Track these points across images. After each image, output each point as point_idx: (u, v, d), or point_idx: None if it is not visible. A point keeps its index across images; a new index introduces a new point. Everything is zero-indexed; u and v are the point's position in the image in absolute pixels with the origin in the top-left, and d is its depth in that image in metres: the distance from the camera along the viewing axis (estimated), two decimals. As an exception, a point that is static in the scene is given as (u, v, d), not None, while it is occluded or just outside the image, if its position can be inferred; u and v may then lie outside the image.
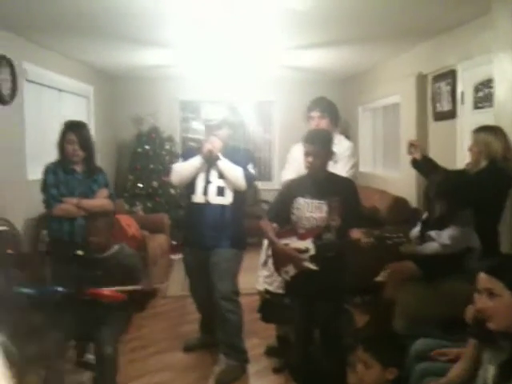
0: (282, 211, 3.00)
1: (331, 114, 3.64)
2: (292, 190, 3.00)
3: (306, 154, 2.91)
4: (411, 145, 3.83)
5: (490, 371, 1.92)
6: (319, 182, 2.92)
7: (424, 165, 3.70)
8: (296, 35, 4.89)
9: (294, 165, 3.61)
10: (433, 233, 3.24)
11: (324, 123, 3.56)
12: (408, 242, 2.83)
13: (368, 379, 2.17)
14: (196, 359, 3.82)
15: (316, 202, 2.88)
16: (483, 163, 3.43)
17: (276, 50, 5.55)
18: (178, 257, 6.62)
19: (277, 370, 3.60)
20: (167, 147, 7.49)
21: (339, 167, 3.35)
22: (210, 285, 3.56)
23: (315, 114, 3.61)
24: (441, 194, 3.23)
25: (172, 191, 7.23)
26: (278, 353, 3.76)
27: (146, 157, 7.29)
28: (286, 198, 3.00)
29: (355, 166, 3.64)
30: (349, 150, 3.64)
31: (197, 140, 7.92)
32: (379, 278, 4.13)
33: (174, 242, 6.50)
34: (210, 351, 3.87)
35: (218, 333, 3.63)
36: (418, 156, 3.75)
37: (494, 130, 3.45)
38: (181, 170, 3.66)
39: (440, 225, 3.26)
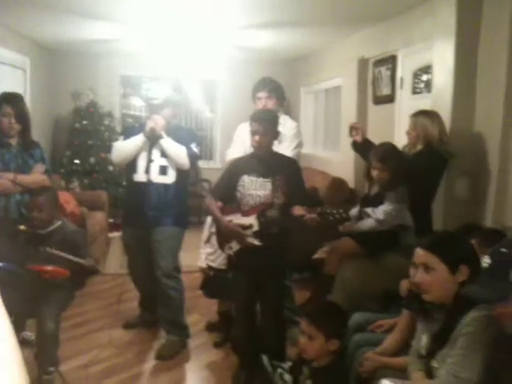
0: (227, 189, 3.02)
1: (278, 94, 3.70)
2: (238, 168, 3.03)
3: (253, 133, 2.93)
4: (352, 128, 3.91)
5: (423, 340, 2.04)
6: (264, 160, 2.96)
7: (364, 147, 3.80)
8: (243, 15, 4.88)
9: (239, 143, 3.64)
10: (369, 209, 3.35)
11: (271, 103, 3.63)
12: (348, 218, 2.92)
13: (311, 351, 2.24)
14: (136, 336, 3.81)
15: (261, 179, 2.92)
16: (420, 146, 3.58)
17: (222, 29, 5.51)
18: (115, 235, 6.56)
19: (217, 345, 3.66)
20: (106, 123, 7.31)
21: (284, 147, 3.43)
22: (151, 262, 3.55)
23: (262, 94, 3.65)
24: (381, 167, 3.32)
25: (110, 168, 7.09)
26: (218, 328, 3.81)
27: (84, 132, 7.08)
28: (232, 175, 3.02)
29: (299, 145, 3.69)
30: (293, 130, 3.71)
31: (137, 117, 7.88)
32: (317, 256, 4.27)
33: (111, 220, 6.40)
34: (150, 328, 3.88)
35: (159, 310, 3.64)
36: (358, 138, 3.85)
37: (431, 115, 3.59)
38: (122, 148, 3.59)
39: (376, 203, 3.38)
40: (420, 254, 1.92)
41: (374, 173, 3.35)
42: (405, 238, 3.42)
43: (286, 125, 3.61)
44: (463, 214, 3.66)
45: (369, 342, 2.56)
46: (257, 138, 2.92)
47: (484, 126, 3.61)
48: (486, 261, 1.56)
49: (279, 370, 2.44)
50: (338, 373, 2.30)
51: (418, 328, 2.15)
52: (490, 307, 1.56)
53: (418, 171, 3.37)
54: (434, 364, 1.90)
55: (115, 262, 5.47)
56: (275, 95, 3.67)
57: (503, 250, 1.54)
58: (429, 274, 1.87)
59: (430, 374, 1.95)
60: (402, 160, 3.40)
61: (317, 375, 2.25)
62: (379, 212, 3.32)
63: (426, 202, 3.58)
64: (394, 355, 2.36)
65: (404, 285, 2.69)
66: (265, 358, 2.78)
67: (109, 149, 6.99)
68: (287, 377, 2.42)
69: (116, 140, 3.93)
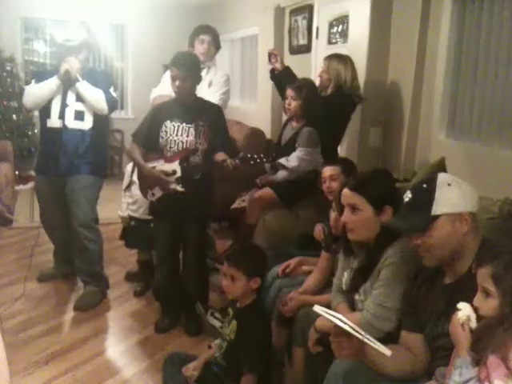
0: (149, 135, 2.95)
1: (217, 41, 3.74)
2: (160, 114, 2.96)
3: (173, 78, 2.86)
4: (271, 54, 3.87)
5: (345, 276, 2.14)
6: (187, 106, 2.91)
7: (284, 75, 3.76)
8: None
9: (166, 85, 3.53)
10: (283, 159, 3.38)
11: (212, 49, 3.67)
12: (268, 162, 2.96)
13: (234, 291, 2.29)
14: (53, 288, 3.71)
15: (184, 125, 2.88)
16: (331, 89, 3.64)
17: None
18: (22, 187, 6.23)
19: (138, 294, 3.65)
20: (8, 68, 6.78)
21: (212, 91, 3.39)
22: (67, 213, 3.41)
23: (207, 37, 3.64)
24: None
25: (14, 117, 6.64)
26: (139, 277, 3.78)
27: (-17, 78, 6.55)
28: (155, 121, 2.95)
29: (226, 93, 3.69)
30: (223, 77, 3.71)
31: (40, 64, 7.38)
32: (235, 205, 4.31)
33: (17, 172, 6.07)
34: (66, 280, 3.78)
35: (76, 261, 3.54)
36: (278, 66, 3.80)
37: (344, 59, 3.64)
38: (35, 92, 3.37)
39: (289, 149, 3.44)
40: (347, 194, 1.99)
41: (287, 102, 3.42)
42: (318, 184, 3.53)
43: (217, 71, 3.67)
44: (377, 162, 3.82)
45: (290, 284, 2.66)
46: (177, 83, 2.85)
47: (397, 76, 3.74)
48: (407, 195, 1.65)
49: (210, 311, 2.49)
50: (260, 310, 2.38)
51: (338, 266, 2.25)
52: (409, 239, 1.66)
53: (328, 113, 3.45)
54: (357, 297, 2.01)
55: (24, 215, 5.27)
56: (214, 43, 3.70)
57: (424, 185, 1.62)
58: (355, 213, 1.95)
59: (352, 307, 2.06)
60: (315, 93, 3.48)
61: (240, 314, 2.31)
62: (292, 159, 3.37)
63: (333, 145, 3.70)
64: (315, 294, 2.47)
65: (318, 229, 2.81)
66: (198, 304, 2.83)
67: (12, 96, 6.62)
68: (218, 315, 2.47)
69: (21, 87, 3.67)
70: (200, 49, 3.60)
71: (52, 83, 3.31)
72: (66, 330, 3.16)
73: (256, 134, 5.59)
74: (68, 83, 3.31)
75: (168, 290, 3.17)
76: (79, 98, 3.34)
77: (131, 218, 3.56)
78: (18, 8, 7.06)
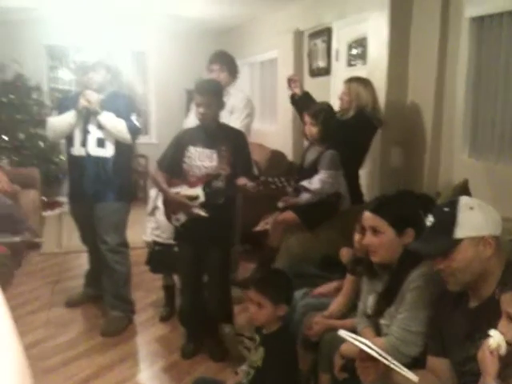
0: (173, 160, 3.00)
1: (230, 67, 3.79)
2: (184, 140, 3.01)
3: (197, 105, 2.92)
4: (291, 80, 3.95)
5: (369, 301, 2.13)
6: (210, 131, 2.96)
7: (303, 100, 3.84)
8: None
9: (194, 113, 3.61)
10: (305, 182, 3.40)
11: (223, 76, 3.70)
12: (290, 186, 2.98)
13: (261, 318, 2.29)
14: (80, 313, 3.75)
15: (207, 150, 2.92)
16: (352, 112, 3.67)
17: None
18: (50, 213, 6.36)
19: (164, 318, 3.66)
20: (34, 97, 6.97)
21: (233, 118, 3.46)
22: (98, 237, 3.48)
23: (215, 66, 3.73)
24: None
25: (41, 144, 6.80)
26: (164, 303, 3.81)
27: (11, 107, 6.71)
28: (178, 147, 3.00)
29: (248, 116, 3.75)
30: (243, 101, 3.76)
31: (66, 91, 7.56)
32: (258, 228, 4.33)
33: (45, 198, 6.19)
34: (94, 305, 3.82)
35: (103, 284, 3.57)
36: (298, 91, 3.89)
37: (364, 81, 3.70)
38: (55, 125, 3.45)
39: (311, 172, 3.46)
40: (368, 217, 1.99)
41: (306, 128, 3.46)
42: (342, 206, 3.54)
43: (236, 96, 3.71)
44: (398, 182, 3.81)
45: (315, 308, 2.65)
46: (201, 109, 2.91)
47: (417, 97, 3.75)
48: (429, 219, 1.65)
49: (240, 338, 2.49)
50: (287, 337, 2.37)
51: (363, 290, 2.24)
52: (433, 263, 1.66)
53: (349, 136, 3.47)
54: (382, 322, 2.00)
55: (51, 241, 5.34)
56: (227, 68, 3.75)
57: (446, 209, 1.63)
58: (377, 236, 1.96)
59: (377, 331, 2.05)
60: (333, 117, 3.51)
61: (268, 341, 2.31)
62: (315, 181, 3.39)
63: (355, 169, 3.71)
64: (340, 318, 2.46)
65: (344, 252, 2.80)
66: (227, 327, 2.82)
67: (38, 124, 6.79)
68: (248, 342, 2.47)
69: (47, 115, 3.76)
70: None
71: (71, 117, 3.36)
72: (93, 355, 3.18)
73: (277, 156, 5.61)
74: (88, 117, 3.36)
75: (192, 315, 3.19)
76: (100, 126, 3.36)
77: (155, 242, 3.60)
78: (43, 36, 7.24)
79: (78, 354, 3.18)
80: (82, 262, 4.21)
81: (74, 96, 3.49)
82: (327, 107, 3.57)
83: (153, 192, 3.63)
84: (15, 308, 3.72)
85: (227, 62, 3.78)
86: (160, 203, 3.34)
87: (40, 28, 7.09)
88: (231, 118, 3.38)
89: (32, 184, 5.73)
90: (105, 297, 3.62)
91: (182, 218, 2.95)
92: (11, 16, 6.48)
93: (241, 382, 2.34)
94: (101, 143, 3.40)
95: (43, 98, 7.12)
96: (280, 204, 3.63)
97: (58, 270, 4.56)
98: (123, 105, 3.45)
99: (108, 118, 3.34)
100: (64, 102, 3.59)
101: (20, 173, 5.81)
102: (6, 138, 6.60)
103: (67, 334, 3.43)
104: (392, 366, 1.46)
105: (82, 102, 3.30)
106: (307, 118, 3.44)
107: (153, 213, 3.59)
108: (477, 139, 3.32)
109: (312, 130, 3.43)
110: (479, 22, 3.21)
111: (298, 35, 5.52)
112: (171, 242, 3.42)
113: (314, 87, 5.36)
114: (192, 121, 3.55)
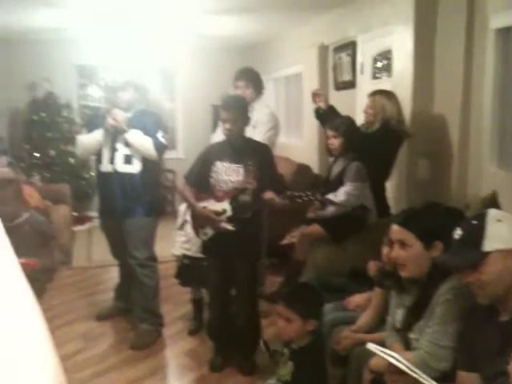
0: (200, 175, 3.05)
1: (255, 84, 3.85)
2: (211, 155, 3.07)
3: (223, 121, 2.98)
4: (315, 94, 3.99)
5: (398, 314, 2.12)
6: (236, 146, 3.00)
7: (328, 114, 3.87)
8: (200, 1, 4.84)
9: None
10: (331, 195, 3.41)
11: (248, 92, 3.76)
12: (316, 199, 2.99)
13: (290, 333, 2.30)
14: (110, 327, 3.80)
15: (233, 165, 2.96)
16: (377, 125, 3.68)
17: (179, 16, 5.45)
18: (80, 228, 6.48)
19: (192, 332, 3.69)
20: (65, 114, 7.13)
21: (257, 131, 3.50)
22: (127, 252, 3.54)
23: (240, 83, 3.80)
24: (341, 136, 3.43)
25: (71, 160, 6.95)
26: (192, 316, 3.84)
27: (42, 124, 6.90)
28: (205, 162, 3.05)
29: (272, 129, 3.80)
30: (267, 116, 3.81)
31: (95, 108, 7.73)
32: (285, 241, 4.34)
33: (75, 214, 6.32)
34: (124, 318, 3.87)
35: (133, 297, 3.63)
36: (322, 105, 3.93)
37: (388, 94, 3.71)
38: (84, 143, 3.55)
39: (337, 184, 3.46)
40: (396, 230, 1.99)
41: (329, 142, 3.48)
42: (368, 219, 3.53)
43: (261, 111, 3.76)
44: (426, 195, 3.78)
45: (343, 321, 2.64)
46: (227, 125, 2.95)
47: (443, 108, 3.73)
48: (457, 232, 1.65)
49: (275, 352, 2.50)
50: (316, 352, 2.37)
51: (391, 303, 2.23)
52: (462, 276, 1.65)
53: (375, 148, 3.47)
54: (411, 336, 1.99)
55: (82, 255, 5.45)
56: (252, 85, 3.82)
57: (474, 222, 1.62)
58: (405, 249, 1.95)
59: (406, 345, 2.04)
60: (355, 129, 3.53)
61: (297, 356, 2.31)
62: (340, 193, 3.39)
63: (381, 181, 3.71)
64: (369, 332, 2.45)
65: (371, 266, 2.80)
66: (262, 343, 2.84)
67: (69, 141, 6.94)
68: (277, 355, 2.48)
69: (77, 132, 3.86)
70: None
71: (99, 135, 3.44)
72: (123, 368, 3.22)
73: (303, 169, 5.63)
74: (115, 135, 3.43)
75: (220, 328, 3.21)
76: (128, 143, 3.43)
77: (185, 256, 3.64)
78: (73, 55, 7.42)
79: (109, 367, 3.22)
80: (112, 276, 4.29)
81: (103, 114, 3.57)
82: (348, 119, 3.60)
83: (182, 206, 3.68)
84: (47, 322, 3.80)
85: (252, 79, 3.84)
86: (189, 217, 3.39)
87: (70, 47, 7.28)
88: (255, 131, 3.43)
89: (63, 200, 5.86)
90: (134, 310, 3.68)
91: (210, 232, 2.99)
92: (42, 36, 6.67)
93: (269, 395, 2.35)
94: (128, 160, 3.46)
95: (73, 115, 7.28)
96: (309, 215, 3.64)
97: (88, 284, 4.64)
98: (150, 122, 3.52)
99: (135, 136, 3.40)
100: (93, 120, 3.68)
101: (51, 189, 5.96)
102: (37, 155, 6.77)
103: (98, 347, 3.49)
104: (421, 380, 1.45)
105: (110, 121, 3.38)
106: (329, 131, 3.48)
107: (182, 227, 3.63)
108: (505, 150, 3.28)
109: (335, 142, 3.45)
110: (505, 33, 3.20)
111: (323, 49, 5.55)
112: (200, 255, 3.46)
113: (339, 101, 5.37)
114: (219, 136, 3.60)
